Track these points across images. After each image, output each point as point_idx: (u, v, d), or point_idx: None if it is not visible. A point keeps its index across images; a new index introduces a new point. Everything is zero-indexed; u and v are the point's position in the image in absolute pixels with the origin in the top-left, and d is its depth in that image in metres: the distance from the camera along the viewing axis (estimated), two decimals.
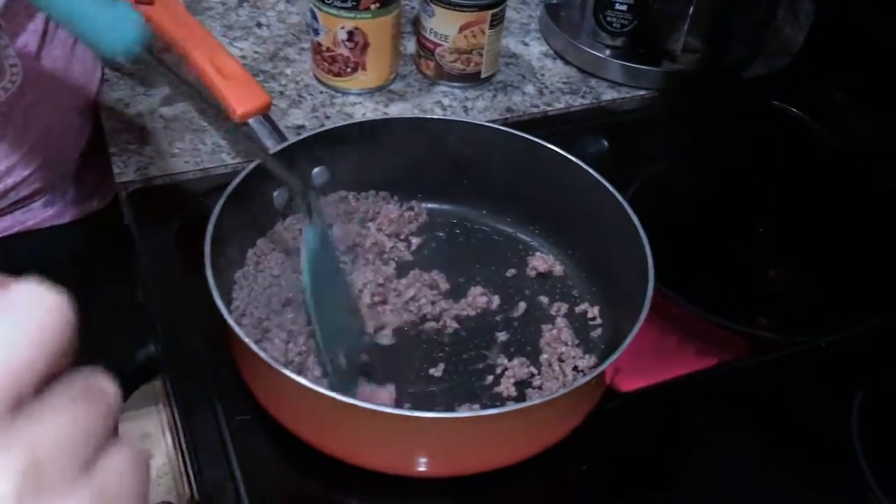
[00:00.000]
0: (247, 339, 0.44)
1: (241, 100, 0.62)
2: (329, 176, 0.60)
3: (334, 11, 0.70)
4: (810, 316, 0.61)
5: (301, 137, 0.58)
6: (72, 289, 0.21)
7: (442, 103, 0.76)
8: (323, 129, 0.59)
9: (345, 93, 0.75)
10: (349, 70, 0.74)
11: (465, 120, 0.61)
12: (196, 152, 0.68)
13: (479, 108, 0.76)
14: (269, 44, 0.81)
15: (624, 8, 0.76)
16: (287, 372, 0.43)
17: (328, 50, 0.73)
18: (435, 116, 0.69)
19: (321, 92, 0.75)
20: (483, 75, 0.77)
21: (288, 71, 0.78)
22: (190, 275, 0.51)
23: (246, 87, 0.63)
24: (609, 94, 0.79)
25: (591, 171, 0.56)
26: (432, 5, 0.73)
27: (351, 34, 0.71)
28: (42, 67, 0.69)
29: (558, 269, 0.59)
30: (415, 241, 0.61)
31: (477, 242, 0.62)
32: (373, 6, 0.70)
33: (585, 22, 0.80)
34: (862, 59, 0.76)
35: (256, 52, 0.79)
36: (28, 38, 0.67)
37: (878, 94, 0.75)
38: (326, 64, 0.74)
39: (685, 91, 0.80)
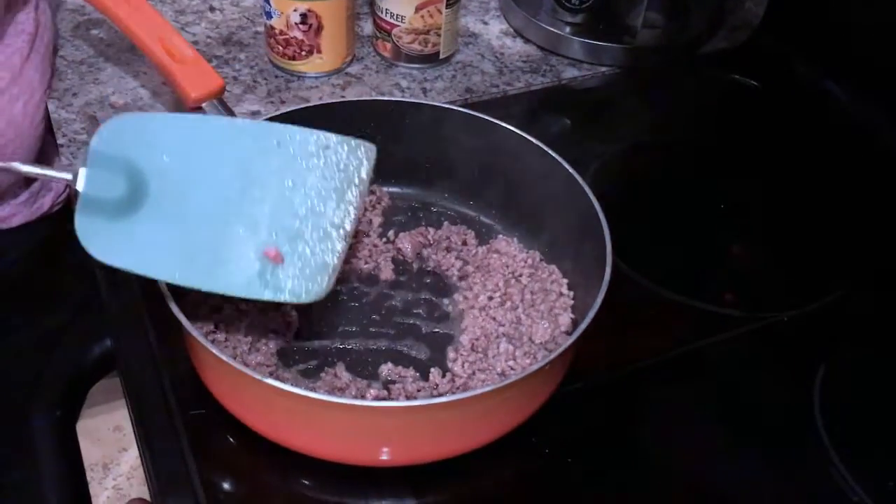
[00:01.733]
0: (196, 333, 0.43)
1: (193, 84, 0.61)
2: None
3: None
4: (772, 292, 0.61)
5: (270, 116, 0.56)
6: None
7: (400, 85, 0.75)
8: (278, 112, 0.57)
9: (300, 76, 0.74)
10: (304, 53, 0.72)
11: (423, 101, 0.60)
12: None
13: (438, 90, 0.74)
14: (223, 28, 0.79)
15: None
16: (236, 364, 0.42)
17: (282, 33, 0.71)
18: (392, 98, 0.68)
19: (276, 76, 0.74)
20: (441, 56, 0.76)
21: (242, 56, 0.76)
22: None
23: (198, 70, 0.62)
24: (570, 73, 0.78)
25: (548, 150, 0.56)
26: None
27: (304, 16, 0.70)
28: None
29: (520, 251, 0.58)
30: (376, 221, 0.60)
31: (439, 225, 0.61)
32: None
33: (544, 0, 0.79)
34: (821, 31, 0.76)
35: (209, 37, 0.77)
36: None
37: (838, 67, 0.75)
38: (280, 47, 0.72)
39: (646, 67, 0.79)
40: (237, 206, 0.47)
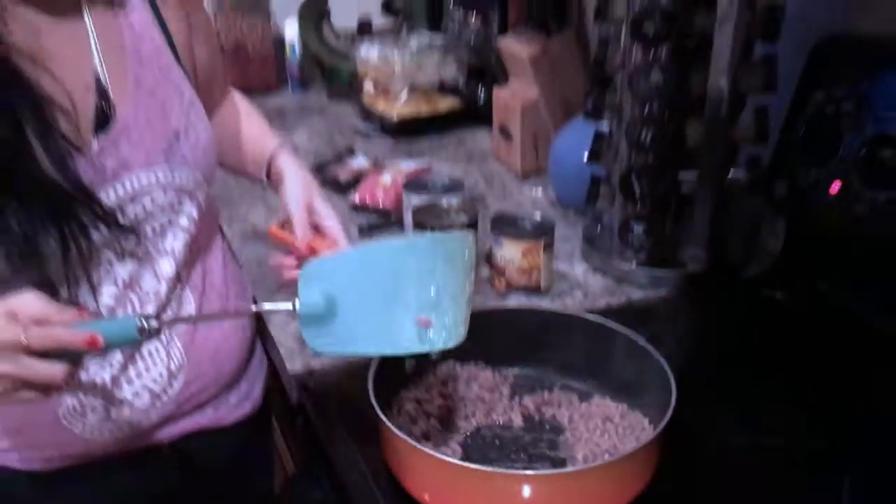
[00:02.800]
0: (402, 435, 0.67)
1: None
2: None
3: None
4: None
5: None
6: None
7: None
8: None
9: None
10: None
11: (547, 308, 0.87)
12: None
13: None
14: None
15: (640, 230, 1.04)
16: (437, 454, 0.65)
17: None
18: (524, 307, 0.93)
19: None
20: (542, 288, 1.04)
21: None
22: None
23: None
24: (637, 295, 1.05)
25: (634, 336, 0.80)
26: (501, 237, 1.02)
27: None
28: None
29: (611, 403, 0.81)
30: (506, 392, 0.84)
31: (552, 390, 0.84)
32: None
33: (614, 244, 1.08)
34: (828, 256, 1.01)
35: None
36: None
37: (845, 279, 0.99)
38: None
39: (695, 290, 1.05)
40: (395, 295, 0.72)
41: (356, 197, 1.28)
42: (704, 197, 1.03)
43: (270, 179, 0.93)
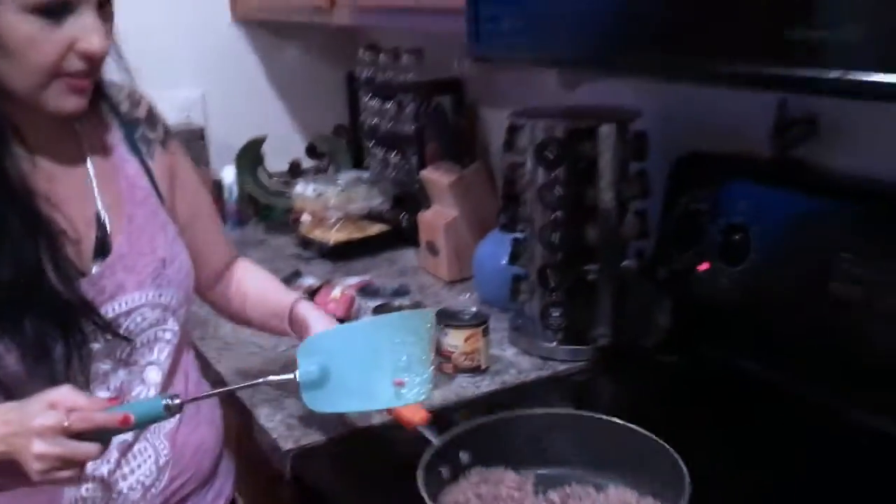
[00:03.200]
0: None
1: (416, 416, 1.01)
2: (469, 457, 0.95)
3: None
4: None
5: (451, 434, 0.94)
6: None
7: (461, 386, 1.22)
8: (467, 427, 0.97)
9: None
10: None
11: (556, 411, 1.01)
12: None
13: (484, 387, 1.22)
14: None
15: (558, 314, 1.28)
16: None
17: None
18: (536, 412, 1.02)
19: None
20: (483, 367, 1.25)
21: None
22: None
23: (417, 409, 1.02)
24: (560, 367, 1.27)
25: (637, 427, 0.95)
26: (446, 328, 1.24)
27: None
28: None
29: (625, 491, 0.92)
30: (530, 487, 0.94)
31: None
32: None
33: (537, 328, 1.31)
34: (706, 323, 1.27)
35: None
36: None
37: (722, 340, 1.25)
38: None
39: (605, 360, 1.29)
40: (374, 363, 0.93)
41: None
42: (605, 284, 1.28)
43: (293, 328, 1.11)
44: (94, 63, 0.86)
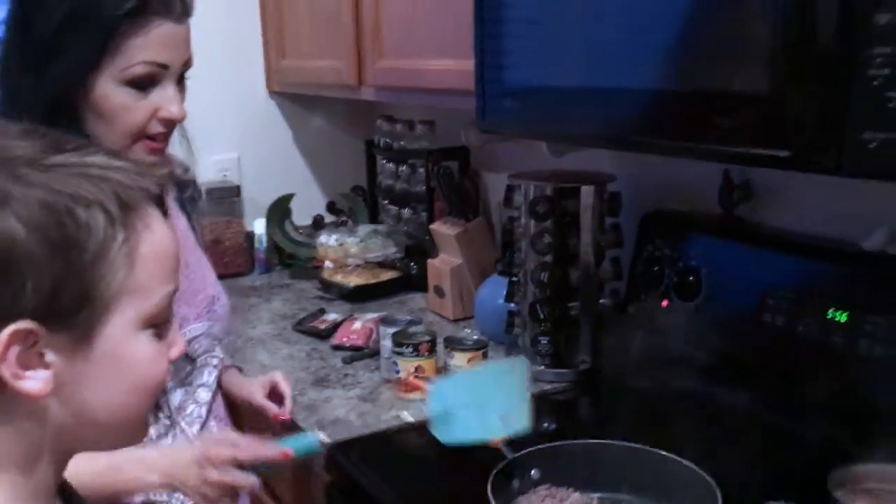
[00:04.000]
0: None
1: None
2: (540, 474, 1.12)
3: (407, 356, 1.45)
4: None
5: (521, 452, 1.11)
6: None
7: None
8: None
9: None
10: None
11: (614, 442, 1.14)
12: None
13: None
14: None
15: (546, 342, 1.53)
16: None
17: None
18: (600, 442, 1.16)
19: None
20: None
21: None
22: None
23: None
24: (548, 388, 1.52)
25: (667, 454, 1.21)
26: (452, 352, 1.49)
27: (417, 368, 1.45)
28: None
29: None
30: None
31: None
32: (426, 353, 1.46)
33: (527, 354, 1.56)
34: (668, 352, 1.52)
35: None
36: None
37: (683, 367, 1.49)
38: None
39: (586, 382, 1.53)
40: (487, 401, 1.13)
41: (334, 339, 1.73)
42: (586, 318, 1.54)
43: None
44: (171, 127, 1.07)
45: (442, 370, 1.52)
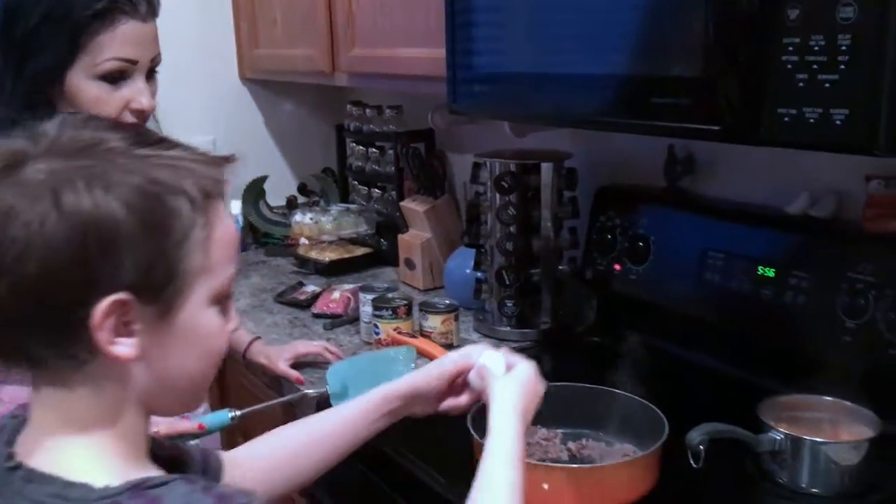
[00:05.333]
0: None
1: (437, 352, 1.46)
2: None
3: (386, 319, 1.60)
4: None
5: None
6: None
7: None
8: None
9: None
10: None
11: (578, 384, 1.27)
12: None
13: None
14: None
15: (511, 305, 1.69)
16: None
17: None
18: (564, 384, 1.29)
19: None
20: (454, 345, 1.65)
21: None
22: None
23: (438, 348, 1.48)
24: (513, 346, 1.67)
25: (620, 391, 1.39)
26: (426, 314, 1.64)
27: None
28: None
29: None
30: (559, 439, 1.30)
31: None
32: (403, 315, 1.60)
33: (495, 317, 1.72)
34: (623, 311, 1.68)
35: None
36: None
37: (637, 323, 1.66)
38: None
39: (548, 341, 1.69)
40: (378, 376, 1.23)
41: (315, 308, 1.87)
42: (546, 283, 1.70)
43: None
44: (143, 118, 1.19)
45: (417, 332, 1.67)
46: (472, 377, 0.98)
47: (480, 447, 0.88)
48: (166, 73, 1.25)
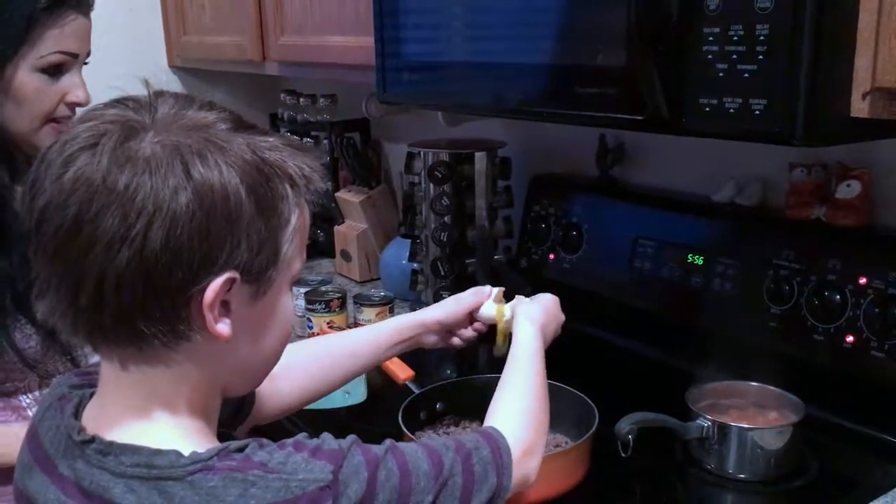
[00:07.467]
0: None
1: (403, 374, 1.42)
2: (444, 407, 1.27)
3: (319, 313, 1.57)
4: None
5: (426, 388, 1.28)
6: None
7: None
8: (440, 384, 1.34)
9: None
10: None
11: None
12: None
13: None
14: None
15: (447, 296, 1.68)
16: None
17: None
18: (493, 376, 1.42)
19: None
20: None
21: None
22: None
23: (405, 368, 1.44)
24: None
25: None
26: (361, 307, 1.62)
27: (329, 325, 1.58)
28: None
29: None
30: None
31: None
32: (336, 308, 1.58)
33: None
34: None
35: None
36: None
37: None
38: None
39: (486, 332, 1.69)
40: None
41: None
42: (482, 273, 1.70)
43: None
44: (74, 111, 1.17)
45: (352, 325, 1.65)
46: (483, 309, 1.16)
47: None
48: (91, 59, 1.24)
